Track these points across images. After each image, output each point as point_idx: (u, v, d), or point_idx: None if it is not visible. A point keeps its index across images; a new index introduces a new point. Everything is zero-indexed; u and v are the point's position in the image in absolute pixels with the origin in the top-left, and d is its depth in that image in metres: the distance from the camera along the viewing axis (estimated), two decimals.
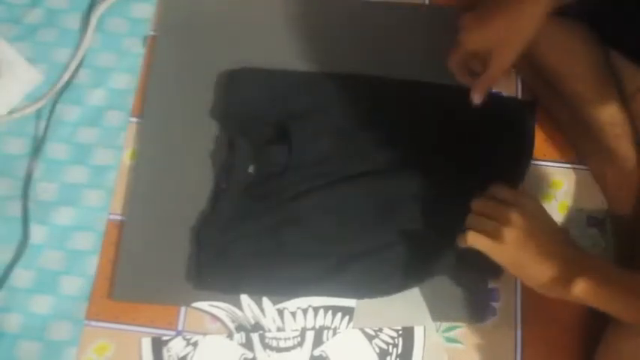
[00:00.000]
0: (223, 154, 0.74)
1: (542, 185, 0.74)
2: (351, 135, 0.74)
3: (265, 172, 0.73)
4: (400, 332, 0.68)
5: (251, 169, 0.73)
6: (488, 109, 0.68)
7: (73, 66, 0.77)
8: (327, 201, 0.71)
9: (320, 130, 0.73)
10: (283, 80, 0.76)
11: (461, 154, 0.73)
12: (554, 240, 0.61)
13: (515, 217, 0.60)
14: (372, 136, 0.74)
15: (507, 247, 0.60)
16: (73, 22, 0.80)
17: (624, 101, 0.71)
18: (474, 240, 0.61)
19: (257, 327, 0.68)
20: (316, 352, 0.67)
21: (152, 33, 0.80)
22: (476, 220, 0.62)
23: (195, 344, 0.67)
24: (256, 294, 0.68)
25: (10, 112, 0.75)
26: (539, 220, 0.62)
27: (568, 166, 0.75)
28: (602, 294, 0.57)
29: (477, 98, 0.67)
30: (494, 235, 0.60)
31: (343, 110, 0.75)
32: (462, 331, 0.69)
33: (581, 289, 0.57)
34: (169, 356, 0.67)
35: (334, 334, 0.68)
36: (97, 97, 0.77)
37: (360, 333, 0.68)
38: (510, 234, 0.59)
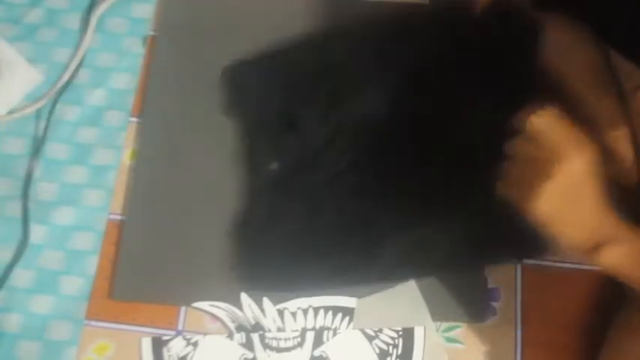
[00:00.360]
0: (243, 155, 0.73)
1: None
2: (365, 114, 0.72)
3: (289, 166, 0.72)
4: (400, 332, 0.68)
5: (274, 165, 0.73)
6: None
7: (73, 66, 0.77)
8: (359, 184, 0.70)
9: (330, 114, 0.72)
10: (284, 65, 0.75)
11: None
12: (599, 203, 0.56)
13: (561, 165, 0.54)
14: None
15: (542, 204, 0.55)
16: (73, 22, 0.80)
17: (623, 100, 0.71)
18: (511, 193, 0.56)
19: (257, 327, 0.68)
20: (316, 353, 0.67)
21: (152, 33, 0.80)
22: (515, 167, 0.57)
23: (195, 344, 0.67)
24: (302, 290, 0.69)
25: (10, 112, 0.75)
26: (590, 178, 0.56)
27: None
28: (632, 267, 0.55)
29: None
30: (530, 190, 0.55)
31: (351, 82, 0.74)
32: (462, 331, 0.69)
33: (611, 257, 0.55)
34: (169, 356, 0.67)
35: (334, 334, 0.68)
36: (97, 97, 0.77)
37: (360, 333, 0.68)
38: (552, 185, 0.54)
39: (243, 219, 0.71)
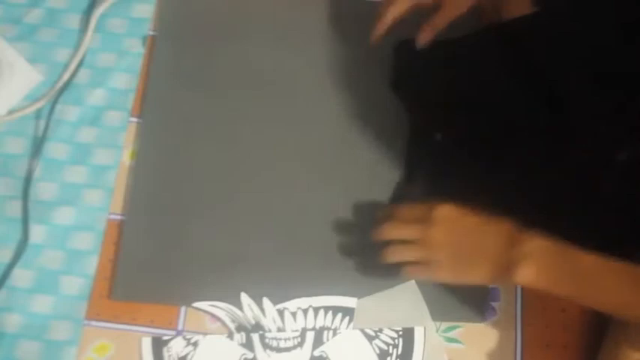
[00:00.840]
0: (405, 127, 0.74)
1: None
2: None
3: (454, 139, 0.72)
4: (400, 332, 0.68)
5: (438, 136, 0.73)
6: None
7: (73, 66, 0.77)
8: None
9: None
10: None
11: None
12: (485, 233, 0.60)
13: (437, 233, 0.60)
14: None
15: (444, 267, 0.60)
16: (73, 22, 0.80)
17: None
18: (413, 274, 0.62)
19: (257, 327, 0.68)
20: (316, 353, 0.67)
21: (152, 33, 0.80)
22: (399, 250, 0.62)
23: (195, 344, 0.67)
24: None
25: (10, 112, 0.75)
26: (462, 220, 0.61)
27: None
28: (549, 278, 0.56)
29: (423, 39, 0.68)
30: (428, 263, 0.61)
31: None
32: (462, 331, 0.69)
33: (524, 276, 0.57)
34: (169, 356, 0.67)
35: (334, 334, 0.68)
36: (96, 97, 0.77)
37: (360, 333, 0.68)
38: (441, 254, 0.60)
39: (399, 191, 0.72)
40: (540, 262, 0.56)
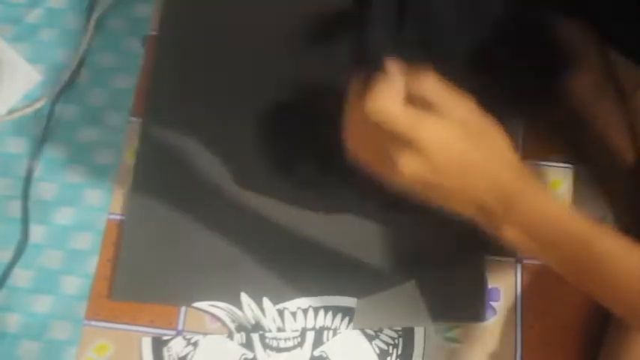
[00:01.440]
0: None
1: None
2: None
3: None
4: (400, 332, 0.68)
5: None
6: None
7: (73, 66, 0.77)
8: None
9: None
10: None
11: None
12: (476, 171, 0.46)
13: (412, 162, 0.44)
14: None
15: (406, 180, 0.45)
16: (73, 22, 0.80)
17: (623, 100, 0.71)
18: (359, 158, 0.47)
19: (257, 327, 0.68)
20: (316, 353, 0.67)
21: (152, 33, 0.80)
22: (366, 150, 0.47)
23: (195, 344, 0.67)
24: None
25: (10, 112, 0.75)
26: (449, 150, 0.45)
27: (568, 166, 0.75)
28: (536, 244, 0.47)
29: None
30: (386, 165, 0.45)
31: None
32: (462, 331, 0.69)
33: (511, 236, 0.47)
34: (169, 356, 0.67)
35: (334, 334, 0.68)
36: (97, 96, 0.77)
37: (360, 333, 0.68)
38: (409, 167, 0.44)
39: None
40: (533, 224, 0.46)
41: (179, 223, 0.71)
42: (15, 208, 0.71)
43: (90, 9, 0.80)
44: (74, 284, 0.69)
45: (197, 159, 0.74)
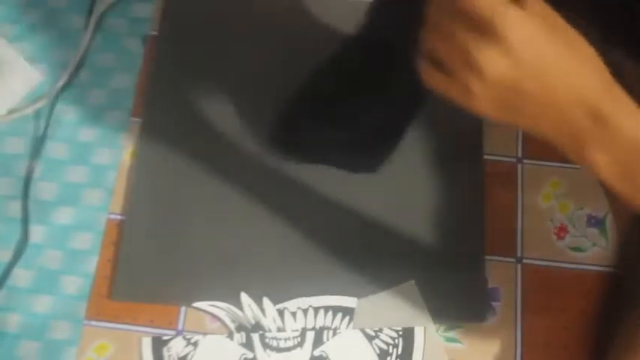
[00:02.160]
0: None
1: (542, 185, 0.74)
2: None
3: None
4: (400, 332, 0.68)
5: None
6: None
7: (73, 65, 0.77)
8: None
9: None
10: None
11: None
12: (572, 71, 0.39)
13: (495, 63, 0.38)
14: None
15: (482, 104, 0.40)
16: (73, 22, 0.80)
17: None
18: (439, 88, 0.41)
19: (257, 327, 0.68)
20: (316, 353, 0.67)
21: (152, 33, 0.80)
22: (435, 76, 0.41)
23: (195, 344, 0.67)
24: None
25: (10, 112, 0.75)
26: (542, 44, 0.39)
27: (568, 166, 0.75)
28: (624, 171, 0.41)
29: None
30: (460, 91, 0.40)
31: None
32: (462, 331, 0.69)
33: (601, 169, 0.41)
34: (169, 356, 0.67)
35: (334, 334, 0.68)
36: (97, 96, 0.77)
37: (360, 333, 0.68)
38: (491, 91, 0.39)
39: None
40: (623, 152, 0.40)
41: (179, 223, 0.71)
42: (15, 208, 0.71)
43: (90, 9, 0.80)
44: (74, 284, 0.69)
45: (196, 159, 0.74)
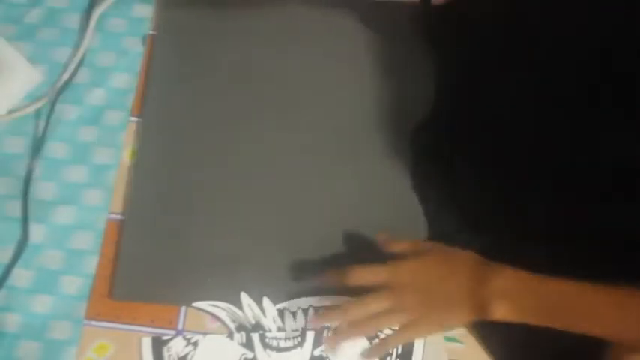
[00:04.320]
0: None
1: None
2: None
3: None
4: None
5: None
6: None
7: (73, 66, 0.77)
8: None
9: None
10: None
11: None
12: (453, 278, 0.59)
13: (407, 296, 0.59)
14: None
15: (424, 323, 0.60)
16: (73, 21, 0.80)
17: None
18: (398, 340, 0.62)
19: (257, 327, 0.68)
20: (316, 352, 0.67)
21: (152, 32, 0.80)
22: (376, 323, 0.62)
23: (195, 344, 0.67)
24: None
25: (10, 112, 0.75)
26: (426, 275, 0.60)
27: None
28: (525, 311, 0.55)
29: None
30: (406, 326, 0.60)
31: None
32: (462, 331, 0.69)
33: (501, 313, 0.56)
34: (169, 356, 0.67)
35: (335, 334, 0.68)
36: (96, 96, 0.77)
37: None
38: (416, 312, 0.59)
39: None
40: (514, 297, 0.56)
41: (179, 222, 0.71)
42: (15, 208, 0.71)
43: (90, 9, 0.80)
44: (74, 284, 0.69)
45: (197, 159, 0.74)
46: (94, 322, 0.68)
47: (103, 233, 0.71)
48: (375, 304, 0.61)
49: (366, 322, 0.62)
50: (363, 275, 0.62)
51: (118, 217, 0.72)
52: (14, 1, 0.80)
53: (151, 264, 0.70)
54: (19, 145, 0.74)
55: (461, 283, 0.58)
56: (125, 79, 0.78)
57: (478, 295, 0.57)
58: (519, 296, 0.56)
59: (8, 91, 0.75)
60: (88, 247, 0.71)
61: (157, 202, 0.72)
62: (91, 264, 0.70)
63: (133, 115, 0.76)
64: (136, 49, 0.79)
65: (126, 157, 0.75)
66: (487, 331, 0.65)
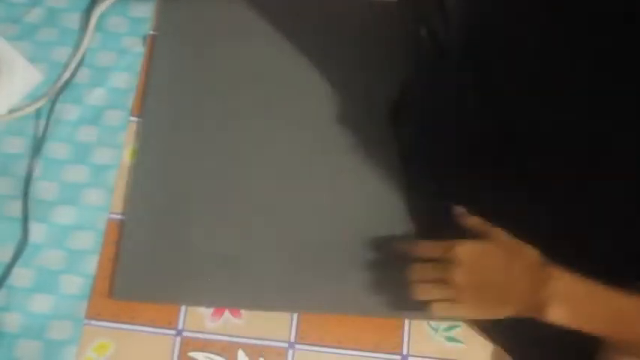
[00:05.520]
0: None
1: None
2: None
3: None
4: None
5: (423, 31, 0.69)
6: None
7: (72, 65, 0.77)
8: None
9: None
10: None
11: None
12: (510, 271, 0.58)
13: (459, 274, 0.58)
14: None
15: (469, 305, 0.59)
16: (73, 21, 0.80)
17: None
18: (441, 310, 0.60)
19: None
20: None
21: (152, 32, 0.80)
22: (425, 290, 0.61)
23: None
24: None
25: (10, 112, 0.75)
26: (484, 260, 0.59)
27: None
28: (580, 318, 0.55)
29: None
30: (453, 300, 0.59)
31: None
32: (462, 331, 0.69)
33: (557, 316, 0.56)
34: None
35: None
36: (96, 96, 0.77)
37: None
38: (465, 294, 0.59)
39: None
40: (570, 303, 0.55)
41: (179, 222, 0.71)
42: (15, 208, 0.71)
43: (90, 9, 0.80)
44: (74, 284, 0.69)
45: (197, 159, 0.74)
46: (94, 322, 0.68)
47: (103, 233, 0.71)
48: (428, 273, 0.61)
49: (414, 284, 0.61)
50: (429, 249, 0.62)
51: (118, 217, 0.72)
52: (14, 1, 0.80)
53: (151, 264, 0.70)
54: (19, 145, 0.74)
55: (519, 278, 0.58)
56: (125, 78, 0.78)
57: (536, 295, 0.56)
58: (578, 302, 0.56)
59: (8, 91, 0.75)
60: (88, 247, 0.70)
61: (157, 202, 0.72)
62: (91, 264, 0.70)
63: (133, 115, 0.76)
64: (136, 49, 0.79)
65: (126, 156, 0.75)
66: (501, 327, 0.65)
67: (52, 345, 0.67)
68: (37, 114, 0.76)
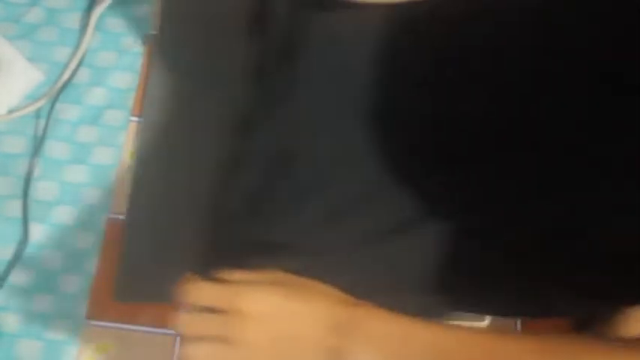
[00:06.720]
0: None
1: None
2: None
3: None
4: None
5: None
6: None
7: (73, 65, 0.77)
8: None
9: None
10: None
11: None
12: (303, 321, 0.47)
13: (249, 334, 0.46)
14: None
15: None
16: (73, 21, 0.80)
17: None
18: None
19: None
20: None
21: (152, 32, 0.80)
22: (202, 349, 0.48)
23: None
24: None
25: (10, 112, 0.75)
26: (276, 314, 0.47)
27: None
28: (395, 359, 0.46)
29: None
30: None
31: None
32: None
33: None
34: None
35: None
36: (97, 96, 0.77)
37: None
38: (257, 353, 0.47)
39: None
40: (382, 346, 0.47)
41: (179, 222, 0.71)
42: (15, 208, 0.71)
43: (90, 8, 0.80)
44: (74, 284, 0.69)
45: (197, 159, 0.74)
46: (94, 322, 0.68)
47: (103, 233, 0.71)
48: (207, 326, 0.49)
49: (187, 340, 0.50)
50: (201, 294, 0.50)
51: (118, 217, 0.72)
52: (14, 1, 0.80)
53: (152, 264, 0.70)
54: (19, 145, 0.74)
55: (317, 327, 0.47)
56: (125, 78, 0.78)
57: (341, 340, 0.46)
58: (391, 344, 0.47)
59: (8, 90, 0.75)
60: (88, 247, 0.71)
61: (157, 202, 0.72)
62: (91, 264, 0.70)
63: (133, 115, 0.76)
64: (136, 49, 0.79)
65: (126, 156, 0.75)
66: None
67: (52, 345, 0.67)
68: (37, 114, 0.76)
